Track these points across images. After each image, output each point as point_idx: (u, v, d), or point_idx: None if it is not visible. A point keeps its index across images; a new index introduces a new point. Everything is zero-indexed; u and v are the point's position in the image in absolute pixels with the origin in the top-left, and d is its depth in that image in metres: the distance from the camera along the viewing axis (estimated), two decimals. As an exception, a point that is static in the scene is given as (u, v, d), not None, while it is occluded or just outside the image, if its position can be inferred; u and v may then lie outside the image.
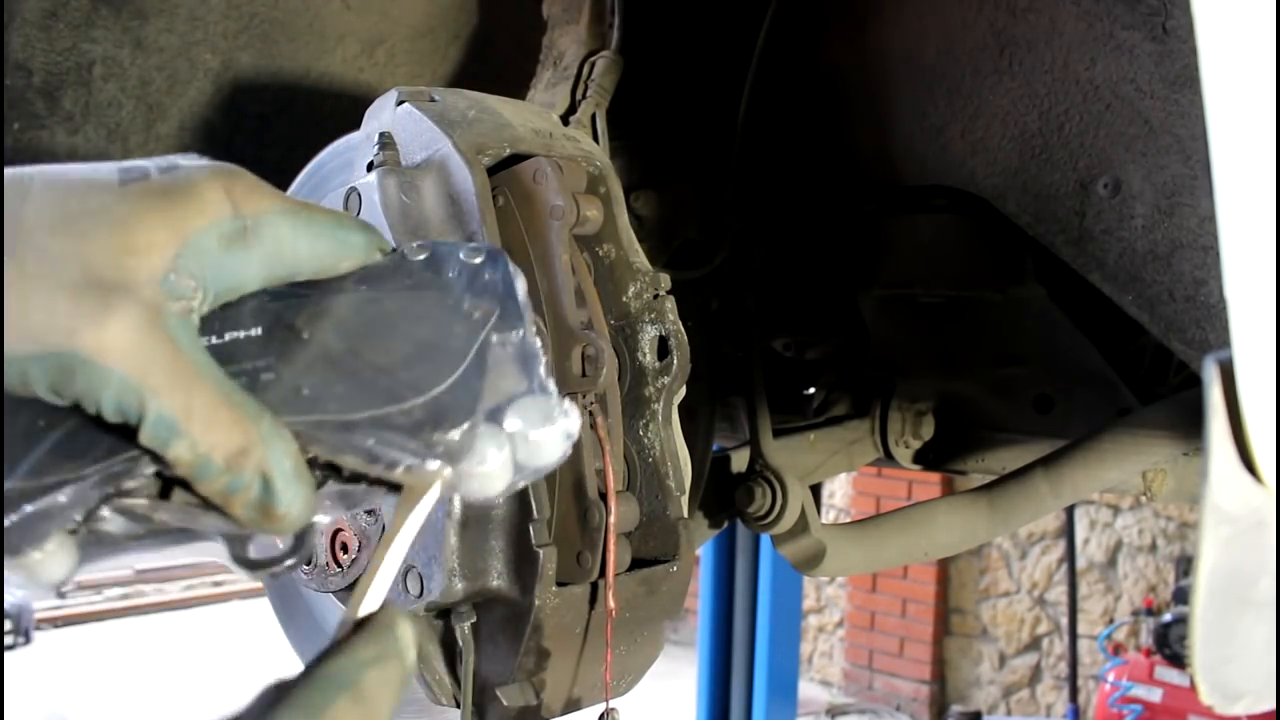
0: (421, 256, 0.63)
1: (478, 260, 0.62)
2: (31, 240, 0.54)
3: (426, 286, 0.62)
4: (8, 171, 0.57)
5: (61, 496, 0.53)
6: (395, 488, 0.59)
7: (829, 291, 1.93)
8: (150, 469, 0.55)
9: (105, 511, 0.55)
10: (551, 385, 0.60)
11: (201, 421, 0.54)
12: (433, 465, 0.57)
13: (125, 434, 0.54)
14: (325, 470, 0.58)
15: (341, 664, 0.53)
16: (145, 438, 0.54)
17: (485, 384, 0.58)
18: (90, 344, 0.52)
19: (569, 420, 0.60)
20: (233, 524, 0.57)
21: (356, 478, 0.58)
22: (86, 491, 0.54)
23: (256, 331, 0.59)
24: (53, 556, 0.53)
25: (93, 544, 0.55)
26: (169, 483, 0.56)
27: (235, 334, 0.59)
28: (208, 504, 0.56)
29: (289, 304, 0.60)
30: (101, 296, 0.53)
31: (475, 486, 0.58)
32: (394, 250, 0.64)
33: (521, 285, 0.61)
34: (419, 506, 0.58)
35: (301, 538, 0.59)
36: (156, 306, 0.54)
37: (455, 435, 0.57)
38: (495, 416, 0.58)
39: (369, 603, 0.57)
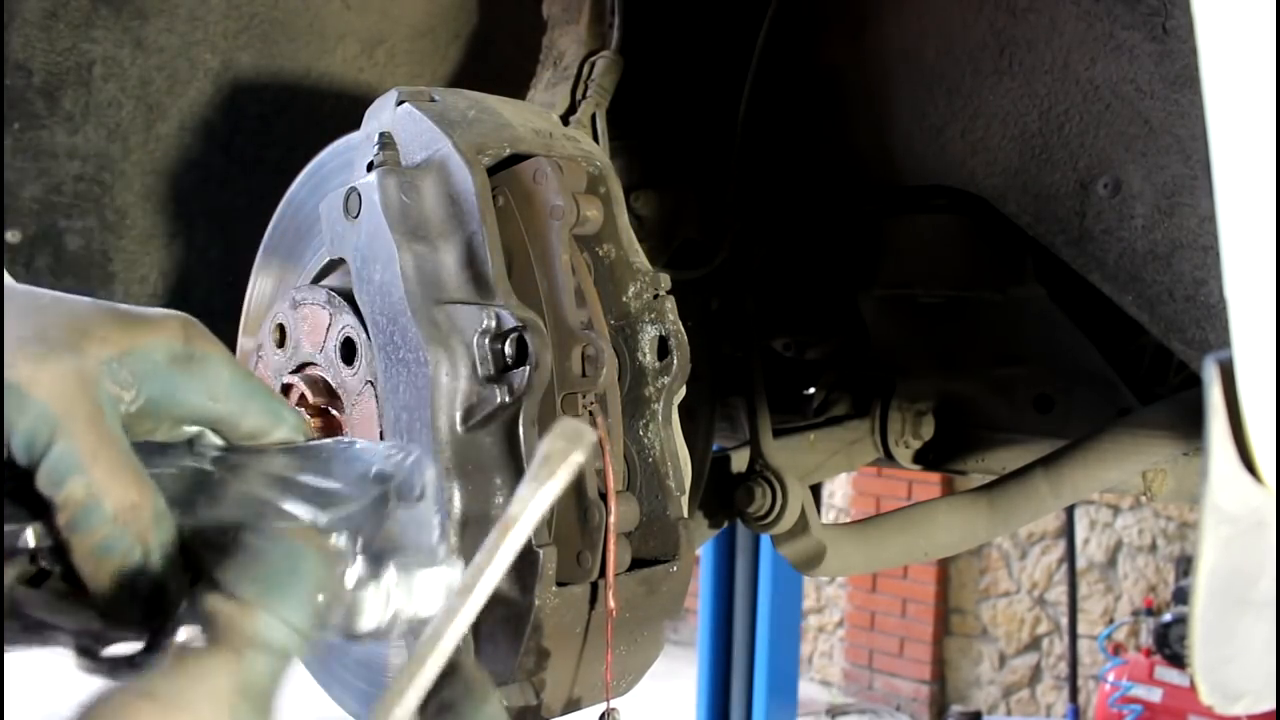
0: (342, 448, 0.67)
1: (392, 462, 0.63)
2: None
3: (339, 472, 0.64)
4: None
5: None
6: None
7: (829, 291, 1.93)
8: (29, 540, 0.55)
9: None
10: (442, 550, 0.60)
11: (104, 468, 0.56)
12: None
13: (19, 496, 0.55)
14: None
15: None
16: (44, 473, 0.55)
17: (370, 530, 0.59)
18: (23, 375, 0.55)
19: (449, 571, 0.60)
20: (92, 619, 0.55)
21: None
22: None
23: (172, 471, 0.61)
24: None
25: None
26: (40, 576, 0.56)
27: (153, 469, 0.61)
28: (72, 594, 0.55)
29: (212, 459, 0.63)
30: (46, 347, 0.57)
31: (344, 615, 0.57)
32: (318, 439, 0.68)
33: (434, 482, 0.62)
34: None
35: (157, 637, 0.56)
36: (93, 376, 0.58)
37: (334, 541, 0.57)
38: (375, 560, 0.58)
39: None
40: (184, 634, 0.50)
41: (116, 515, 0.55)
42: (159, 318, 0.62)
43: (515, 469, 0.92)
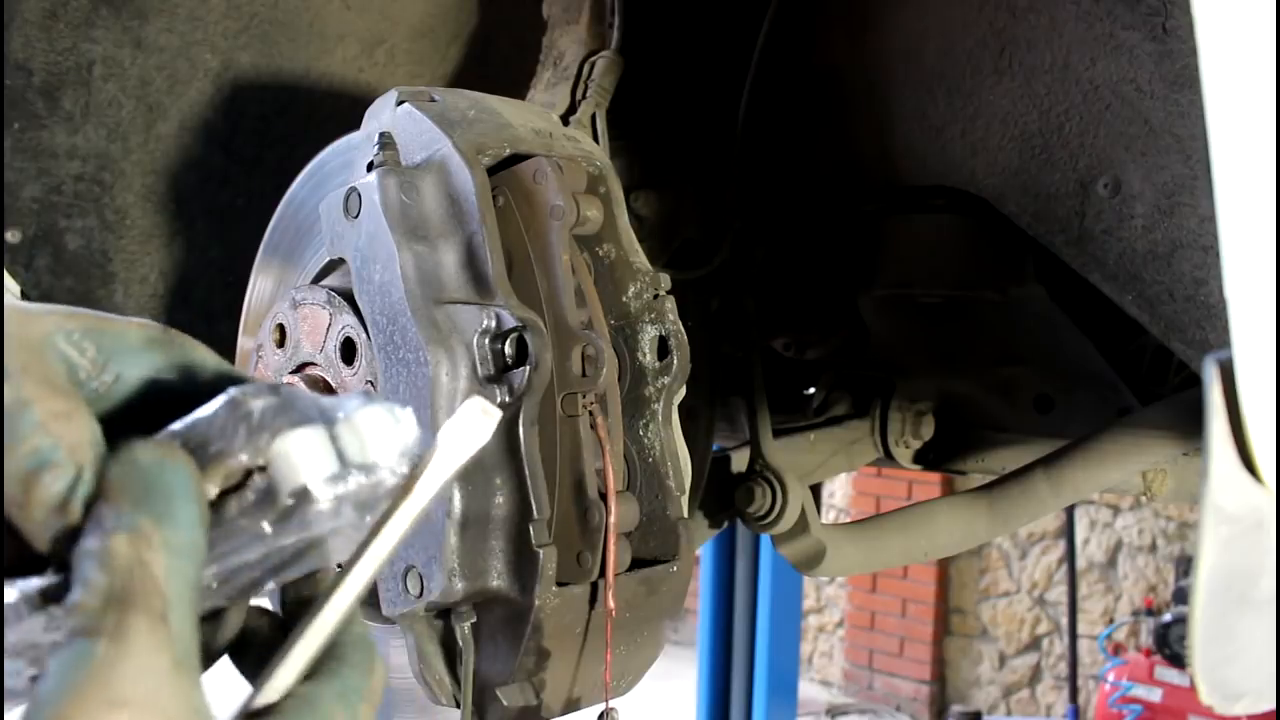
0: None
1: None
2: None
3: None
4: None
5: None
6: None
7: (829, 291, 1.93)
8: None
9: None
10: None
11: (34, 378, 0.49)
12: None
13: None
14: None
15: None
16: None
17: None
18: None
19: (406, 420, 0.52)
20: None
21: None
22: None
23: None
24: None
25: None
26: None
27: None
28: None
29: None
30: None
31: (282, 466, 0.49)
32: None
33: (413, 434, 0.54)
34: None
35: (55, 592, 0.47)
36: (42, 324, 0.52)
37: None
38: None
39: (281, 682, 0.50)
40: (86, 590, 0.43)
41: (45, 423, 0.48)
42: (138, 321, 0.57)
43: (515, 469, 0.92)
